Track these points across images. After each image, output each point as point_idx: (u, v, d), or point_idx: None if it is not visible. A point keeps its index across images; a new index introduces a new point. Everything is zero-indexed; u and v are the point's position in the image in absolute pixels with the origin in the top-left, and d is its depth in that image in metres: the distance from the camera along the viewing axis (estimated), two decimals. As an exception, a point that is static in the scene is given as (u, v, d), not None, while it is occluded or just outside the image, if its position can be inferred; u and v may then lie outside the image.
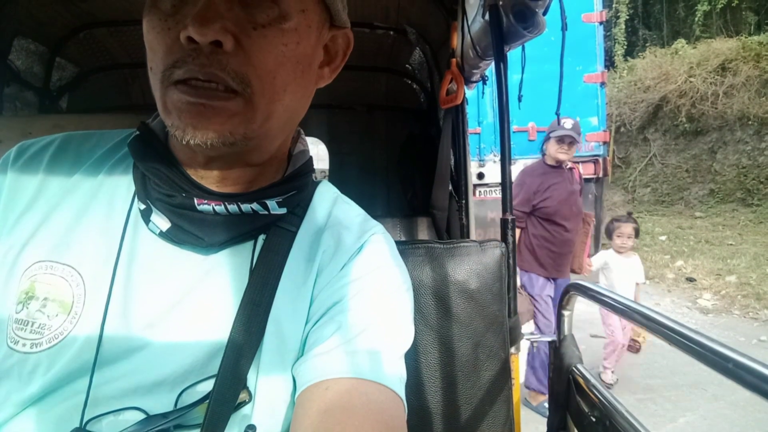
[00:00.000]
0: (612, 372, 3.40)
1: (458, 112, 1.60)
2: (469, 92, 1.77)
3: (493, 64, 1.26)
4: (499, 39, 1.19)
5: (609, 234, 3.72)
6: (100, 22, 1.65)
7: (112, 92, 1.99)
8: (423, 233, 1.82)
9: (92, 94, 1.93)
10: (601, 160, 6.16)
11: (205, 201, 0.59)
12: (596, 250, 6.38)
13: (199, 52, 0.52)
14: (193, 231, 0.59)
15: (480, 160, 6.13)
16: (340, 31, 0.65)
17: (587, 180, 6.15)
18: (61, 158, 0.65)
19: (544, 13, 1.14)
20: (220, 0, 0.52)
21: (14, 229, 0.60)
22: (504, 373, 1.01)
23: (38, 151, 0.65)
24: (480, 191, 6.09)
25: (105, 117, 1.80)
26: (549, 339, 1.10)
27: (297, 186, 0.66)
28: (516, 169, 5.89)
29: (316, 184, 0.72)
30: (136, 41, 1.73)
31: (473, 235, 1.62)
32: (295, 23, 0.56)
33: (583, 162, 6.14)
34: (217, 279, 0.59)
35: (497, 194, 5.91)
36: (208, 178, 0.61)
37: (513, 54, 1.27)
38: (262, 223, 0.62)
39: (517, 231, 3.16)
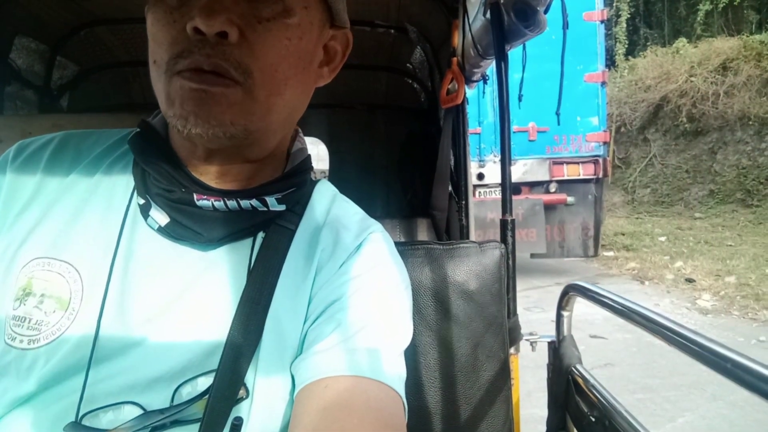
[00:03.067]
0: None
1: (459, 112, 1.60)
2: (470, 92, 1.76)
3: (493, 63, 1.26)
4: (500, 37, 1.18)
5: None
6: (100, 20, 1.65)
7: (113, 91, 1.99)
8: (422, 234, 1.81)
9: (93, 93, 1.93)
10: (601, 160, 6.15)
11: (205, 196, 0.59)
12: (596, 252, 6.39)
13: (205, 42, 0.52)
14: (191, 226, 0.59)
15: (480, 161, 6.13)
16: (339, 31, 0.66)
17: (587, 180, 6.16)
18: (60, 156, 0.65)
19: (545, 12, 1.13)
20: None
21: (13, 226, 0.61)
22: (503, 373, 1.01)
23: (37, 150, 0.65)
24: (480, 192, 6.08)
25: (105, 116, 1.80)
26: (548, 339, 1.10)
27: (296, 183, 0.66)
28: (516, 170, 5.93)
29: (314, 182, 0.72)
30: (136, 39, 1.73)
31: (473, 236, 1.62)
32: (299, 19, 0.57)
33: (583, 162, 6.15)
34: (216, 276, 0.60)
35: (497, 195, 5.90)
36: (208, 174, 0.61)
37: (514, 53, 1.26)
38: (261, 220, 0.62)
39: None
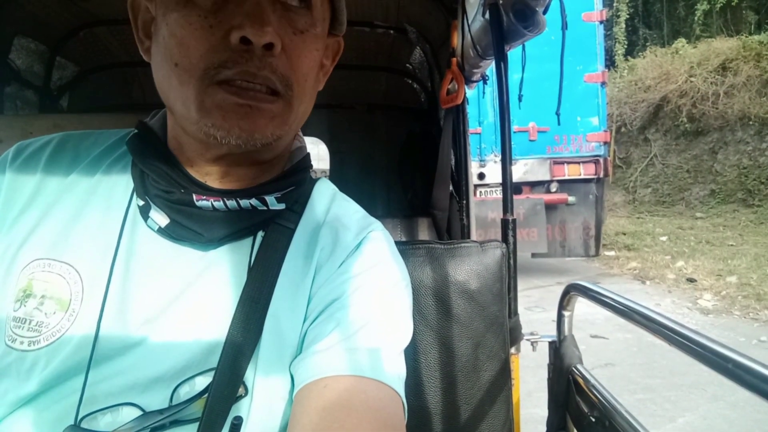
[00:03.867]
0: None
1: (459, 112, 1.60)
2: (470, 92, 1.77)
3: (493, 63, 1.26)
4: (499, 38, 1.18)
5: None
6: (100, 21, 1.65)
7: (112, 91, 1.99)
8: (423, 233, 1.81)
9: (92, 94, 1.93)
10: (601, 160, 6.15)
11: (204, 197, 0.59)
12: (597, 252, 6.39)
13: (252, 54, 0.52)
14: (191, 227, 0.59)
15: (481, 160, 6.12)
16: (334, 39, 0.68)
17: (588, 180, 6.16)
18: (59, 157, 0.65)
19: (545, 12, 1.13)
20: (268, 3, 0.53)
21: (12, 227, 0.61)
22: (504, 373, 1.01)
23: (36, 151, 0.65)
24: (481, 191, 6.08)
25: (105, 116, 1.80)
26: (549, 339, 1.10)
27: (295, 181, 0.66)
28: (517, 170, 5.93)
29: (314, 181, 0.72)
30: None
31: (474, 236, 1.62)
32: (320, 30, 0.60)
33: (583, 162, 6.15)
34: (216, 275, 0.60)
35: (498, 194, 5.90)
36: (212, 174, 0.61)
37: (513, 53, 1.27)
38: (261, 219, 0.62)
39: None
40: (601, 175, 6.17)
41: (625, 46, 14.75)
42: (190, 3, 0.54)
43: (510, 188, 1.17)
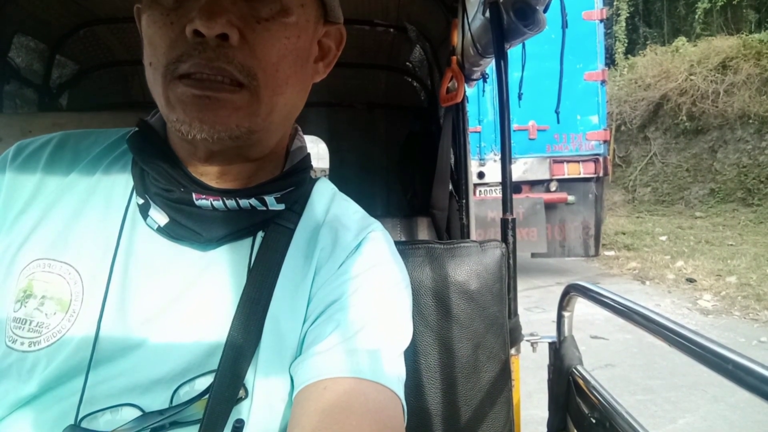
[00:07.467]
0: None
1: (459, 111, 1.60)
2: (470, 90, 1.76)
3: (493, 61, 1.26)
4: (499, 36, 1.18)
5: None
6: (100, 19, 1.65)
7: (112, 90, 1.99)
8: (423, 233, 1.81)
9: (92, 92, 1.92)
10: (601, 159, 6.14)
11: (203, 196, 0.59)
12: (596, 252, 6.39)
13: (205, 45, 0.52)
14: (190, 226, 0.59)
15: (480, 159, 6.12)
16: (333, 26, 0.67)
17: (587, 179, 6.16)
18: (59, 157, 0.65)
19: (545, 11, 1.13)
20: None
21: (12, 227, 0.60)
22: (504, 374, 1.01)
23: (36, 150, 0.65)
24: (480, 191, 6.08)
25: (105, 115, 1.80)
26: (549, 340, 1.09)
27: (295, 182, 0.66)
28: (516, 169, 5.93)
29: (314, 181, 0.72)
30: (136, 38, 1.72)
31: (473, 235, 1.61)
32: (296, 18, 0.58)
33: (583, 161, 6.15)
34: (216, 275, 0.59)
35: (498, 194, 5.90)
36: (208, 174, 0.61)
37: (513, 52, 1.26)
38: (260, 219, 0.62)
39: None
40: (601, 174, 6.17)
41: (626, 45, 14.76)
42: (155, 2, 0.54)
43: (509, 187, 1.16)
